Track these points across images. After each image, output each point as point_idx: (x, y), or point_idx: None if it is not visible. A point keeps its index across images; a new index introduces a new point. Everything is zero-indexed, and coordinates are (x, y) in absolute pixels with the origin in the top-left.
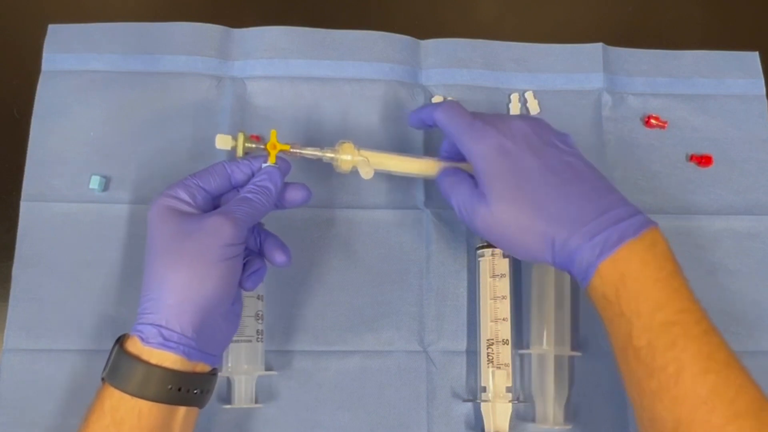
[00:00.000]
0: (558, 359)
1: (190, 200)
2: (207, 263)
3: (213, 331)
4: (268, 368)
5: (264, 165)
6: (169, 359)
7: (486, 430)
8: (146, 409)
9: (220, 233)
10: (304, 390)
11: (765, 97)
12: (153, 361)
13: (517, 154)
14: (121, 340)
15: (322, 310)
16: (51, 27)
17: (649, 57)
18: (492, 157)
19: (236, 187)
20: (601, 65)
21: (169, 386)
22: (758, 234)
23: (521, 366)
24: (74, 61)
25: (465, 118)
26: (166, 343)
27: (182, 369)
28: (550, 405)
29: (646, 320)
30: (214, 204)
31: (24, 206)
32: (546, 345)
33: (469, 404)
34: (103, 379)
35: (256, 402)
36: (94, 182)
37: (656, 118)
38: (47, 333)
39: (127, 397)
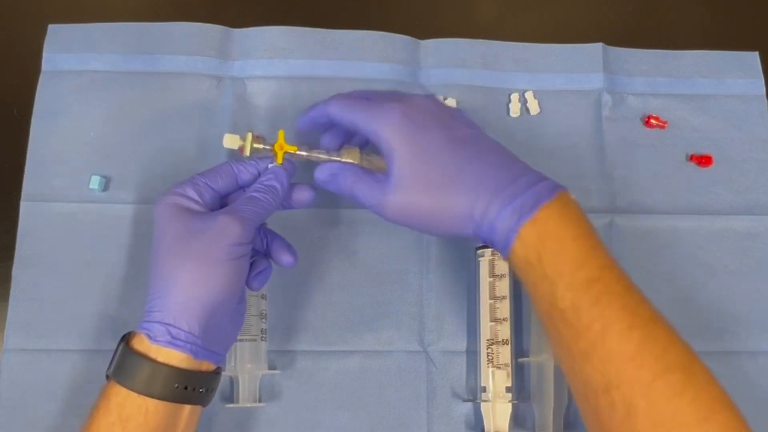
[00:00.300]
0: (557, 368)
1: (198, 198)
2: (215, 262)
3: (218, 329)
4: (270, 368)
5: (270, 165)
6: (176, 357)
7: (486, 430)
8: (152, 407)
9: (227, 232)
10: (304, 390)
11: (765, 97)
12: (160, 359)
13: (425, 127)
14: (126, 338)
15: (322, 310)
16: (51, 27)
17: (649, 57)
18: (400, 134)
19: (242, 187)
20: (601, 65)
21: (176, 384)
22: (758, 234)
23: (521, 372)
24: (74, 61)
25: (361, 101)
26: (173, 341)
27: (188, 367)
28: (549, 413)
29: (569, 279)
30: (221, 203)
31: (24, 206)
32: (545, 354)
33: (469, 404)
34: (107, 376)
35: (260, 401)
36: (94, 182)
37: (656, 118)
38: (47, 333)
39: (134, 394)
